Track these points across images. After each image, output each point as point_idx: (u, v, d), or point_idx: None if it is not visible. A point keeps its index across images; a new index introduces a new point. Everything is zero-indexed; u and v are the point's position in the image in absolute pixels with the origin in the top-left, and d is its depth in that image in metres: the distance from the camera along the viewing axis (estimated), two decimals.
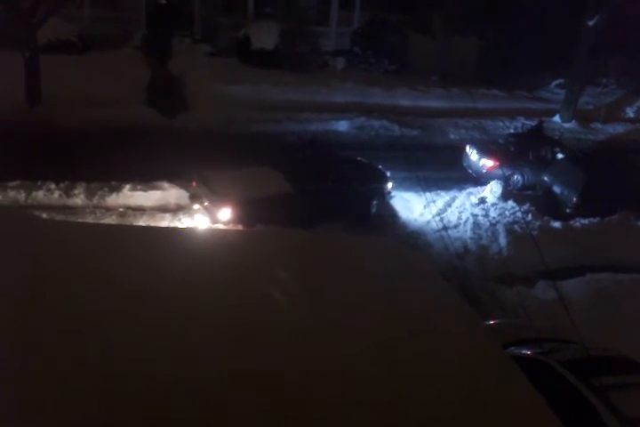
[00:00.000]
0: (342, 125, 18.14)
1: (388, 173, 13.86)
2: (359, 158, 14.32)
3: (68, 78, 17.38)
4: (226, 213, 11.45)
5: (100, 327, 3.04)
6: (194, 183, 12.11)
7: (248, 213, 11.38)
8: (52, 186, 12.62)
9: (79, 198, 12.55)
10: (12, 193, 12.32)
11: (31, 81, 16.71)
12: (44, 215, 11.48)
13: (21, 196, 12.30)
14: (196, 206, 12.01)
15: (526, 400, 3.86)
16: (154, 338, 3.13)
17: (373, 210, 13.39)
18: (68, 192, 12.58)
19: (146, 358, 2.95)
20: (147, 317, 3.24)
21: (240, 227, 11.27)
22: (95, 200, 12.57)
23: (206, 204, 11.75)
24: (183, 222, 11.99)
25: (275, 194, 11.57)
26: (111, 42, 21.77)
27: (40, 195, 12.42)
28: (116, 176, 13.03)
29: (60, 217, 11.60)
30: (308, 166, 12.74)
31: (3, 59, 16.94)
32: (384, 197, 13.69)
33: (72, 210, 12.19)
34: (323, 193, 12.37)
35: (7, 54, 17.00)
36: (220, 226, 11.41)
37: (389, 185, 13.74)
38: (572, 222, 13.31)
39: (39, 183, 12.63)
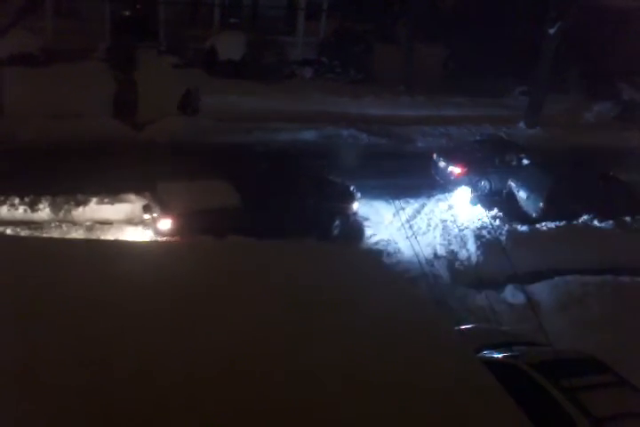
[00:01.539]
0: (311, 135, 18.18)
1: (358, 194, 13.36)
2: (328, 176, 13.71)
3: (32, 91, 17.13)
4: (166, 224, 11.31)
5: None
6: (147, 195, 12.02)
7: (187, 224, 11.18)
8: (16, 201, 12.39)
9: (44, 213, 12.35)
10: None
11: None
12: (8, 231, 11.29)
13: None
14: (147, 217, 11.87)
15: (497, 402, 3.90)
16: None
17: (335, 231, 12.74)
18: (32, 207, 12.37)
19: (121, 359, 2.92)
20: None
21: (178, 238, 11.09)
22: (61, 214, 12.37)
23: (153, 215, 11.67)
24: (141, 234, 11.86)
25: (219, 207, 11.37)
26: (75, 54, 21.53)
27: (3, 210, 12.19)
28: (82, 190, 12.86)
29: (25, 232, 11.41)
30: (263, 180, 12.46)
31: None
32: (348, 217, 13.06)
33: (38, 225, 11.99)
34: (274, 208, 11.87)
35: None
36: (160, 237, 11.30)
37: (355, 205, 13.18)
38: (538, 227, 13.51)
39: (2, 198, 12.40)
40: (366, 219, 13.64)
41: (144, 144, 16.12)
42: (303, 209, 12.20)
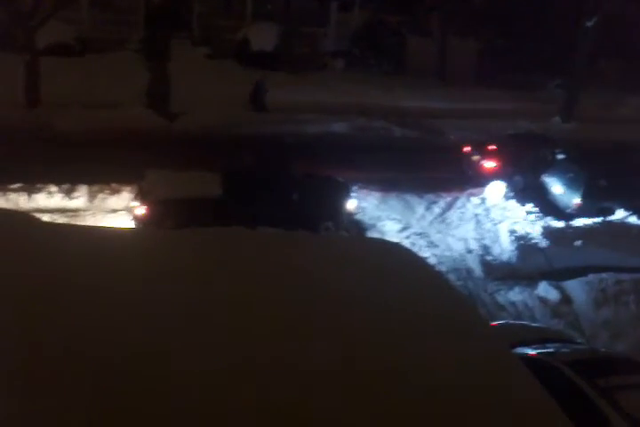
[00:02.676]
0: (342, 127, 18.11)
1: (353, 193, 12.51)
2: (327, 175, 12.76)
3: (68, 81, 17.37)
4: (141, 211, 11.16)
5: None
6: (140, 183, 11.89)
7: (161, 212, 10.97)
8: (53, 188, 12.59)
9: (80, 201, 12.53)
10: (12, 195, 12.29)
11: (30, 84, 16.69)
12: (45, 218, 11.47)
13: (22, 198, 12.28)
14: (133, 204, 11.68)
15: (536, 401, 3.83)
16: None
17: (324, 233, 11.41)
18: (68, 195, 12.56)
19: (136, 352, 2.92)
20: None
21: (150, 226, 10.90)
22: (96, 202, 12.55)
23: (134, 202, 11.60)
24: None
25: (196, 197, 11.11)
26: (110, 44, 21.76)
27: (41, 197, 12.40)
28: (116, 178, 13.01)
29: (61, 220, 11.58)
30: (251, 174, 11.94)
31: (2, 61, 16.92)
32: (340, 217, 11.96)
33: (73, 212, 12.17)
34: (257, 203, 11.25)
35: (7, 57, 17.00)
36: (136, 224, 11.18)
37: (350, 205, 12.21)
38: (573, 223, 13.30)
39: (39, 186, 12.60)
40: (372, 226, 12.70)
41: (177, 134, 16.24)
42: (285, 208, 11.33)
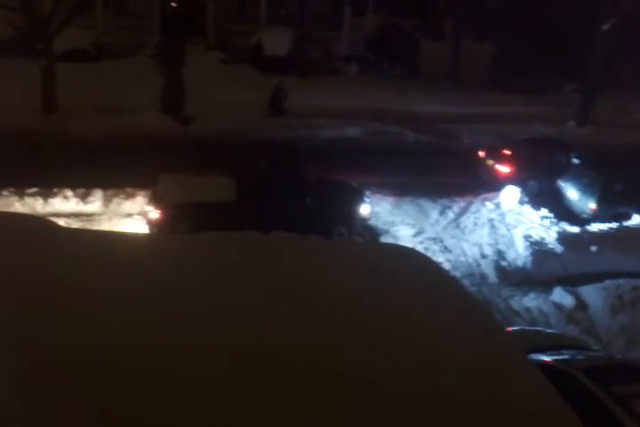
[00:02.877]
0: (355, 131, 18.13)
1: (367, 198, 12.39)
2: (340, 180, 12.80)
3: (84, 86, 17.54)
4: (155, 215, 11.26)
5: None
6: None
7: (175, 216, 11.06)
8: (69, 193, 12.71)
9: (95, 205, 12.63)
10: (29, 200, 12.41)
11: (47, 89, 16.87)
12: (61, 222, 11.56)
13: (38, 202, 12.40)
14: (147, 208, 11.81)
15: (553, 408, 3.80)
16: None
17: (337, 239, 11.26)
18: (84, 199, 12.67)
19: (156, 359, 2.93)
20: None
21: (164, 230, 10.97)
22: (111, 207, 12.64)
23: (150, 206, 11.69)
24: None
25: (209, 201, 11.17)
26: (125, 50, 21.96)
27: (57, 202, 12.51)
28: (131, 183, 13.09)
29: (76, 224, 11.68)
30: (264, 179, 11.95)
31: (20, 67, 17.13)
32: (353, 222, 11.89)
33: (88, 217, 12.27)
34: (270, 208, 11.25)
35: (24, 63, 17.19)
36: (150, 228, 11.25)
37: (364, 210, 12.13)
38: (588, 228, 13.21)
39: (55, 190, 12.72)
40: (385, 231, 12.66)
41: (191, 139, 16.33)
42: (298, 213, 11.32)
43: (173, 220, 11.03)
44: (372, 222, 12.95)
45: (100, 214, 12.45)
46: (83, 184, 12.91)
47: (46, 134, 15.44)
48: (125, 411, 2.69)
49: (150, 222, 11.37)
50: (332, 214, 11.65)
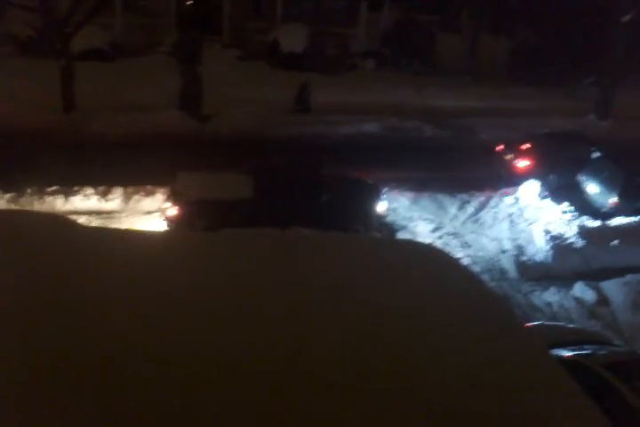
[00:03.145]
0: (373, 127, 18.07)
1: (383, 197, 12.31)
2: (357, 176, 12.78)
3: (102, 85, 17.66)
4: (173, 212, 11.32)
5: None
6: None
7: (193, 213, 11.14)
8: (88, 191, 12.82)
9: (115, 203, 12.73)
10: (49, 198, 12.54)
11: (66, 88, 17.01)
12: (81, 220, 11.67)
13: (58, 200, 12.51)
14: (166, 205, 11.82)
15: (576, 403, 3.76)
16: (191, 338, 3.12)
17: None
18: (103, 197, 12.77)
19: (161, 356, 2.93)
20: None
21: (183, 226, 11.04)
22: (131, 204, 12.73)
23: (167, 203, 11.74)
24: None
25: (226, 198, 11.22)
26: (142, 48, 22.08)
27: (77, 199, 12.62)
28: (150, 180, 13.17)
29: (96, 222, 11.77)
30: (281, 176, 12.00)
31: (39, 67, 17.30)
32: (369, 220, 11.81)
33: (108, 214, 12.37)
34: (287, 205, 11.31)
35: (43, 63, 17.36)
36: (167, 224, 11.32)
37: (381, 207, 12.05)
38: (609, 222, 13.05)
39: (75, 188, 12.83)
40: (403, 227, 12.59)
41: (208, 136, 16.39)
42: (315, 210, 11.33)
43: (191, 216, 11.13)
44: (391, 218, 12.91)
45: (119, 212, 12.54)
46: (102, 182, 13.02)
47: (65, 133, 15.59)
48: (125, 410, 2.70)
49: (168, 219, 11.46)
50: (348, 211, 11.59)
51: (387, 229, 12.30)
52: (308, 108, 18.67)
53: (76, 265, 3.80)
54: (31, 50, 19.86)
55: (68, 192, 12.71)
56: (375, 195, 12.21)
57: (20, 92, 16.78)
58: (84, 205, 12.59)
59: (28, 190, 12.62)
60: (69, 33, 16.76)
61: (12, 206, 12.00)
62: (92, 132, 15.87)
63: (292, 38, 23.03)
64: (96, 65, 19.39)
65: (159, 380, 2.86)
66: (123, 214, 12.43)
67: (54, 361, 2.83)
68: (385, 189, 12.72)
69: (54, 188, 12.78)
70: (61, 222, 4.63)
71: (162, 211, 11.93)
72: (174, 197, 11.55)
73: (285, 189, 11.53)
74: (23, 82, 17.12)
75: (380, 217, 12.19)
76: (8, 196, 12.41)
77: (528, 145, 15.56)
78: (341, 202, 11.61)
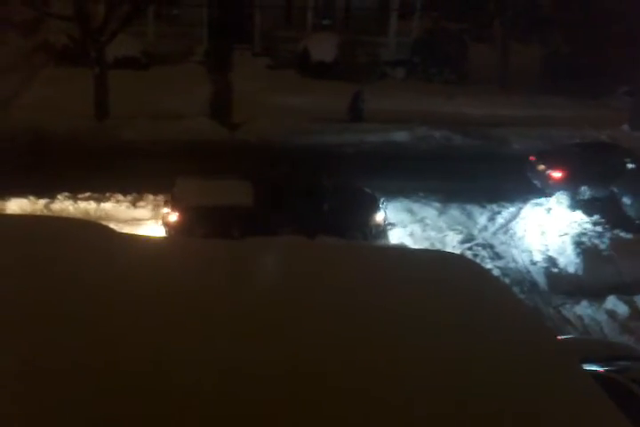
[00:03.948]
0: (403, 136, 18.02)
1: (381, 207, 12.22)
2: (361, 187, 12.76)
3: (134, 93, 17.94)
4: (173, 218, 11.33)
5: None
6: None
7: (192, 219, 11.14)
8: (120, 197, 12.98)
9: (146, 209, 12.87)
10: (82, 204, 12.73)
11: (100, 96, 17.32)
12: (112, 226, 11.82)
13: (91, 207, 12.70)
14: (165, 211, 11.88)
15: (608, 419, 3.68)
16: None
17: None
18: (135, 204, 12.92)
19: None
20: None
21: (181, 233, 11.05)
22: (161, 211, 12.84)
23: (166, 209, 11.79)
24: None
25: (226, 204, 11.23)
26: (174, 57, 22.39)
27: (109, 206, 12.80)
28: None
29: (127, 228, 11.91)
30: (281, 184, 12.03)
31: (74, 75, 17.65)
32: (367, 229, 11.80)
33: (139, 222, 12.50)
34: (287, 214, 11.36)
35: (78, 71, 17.70)
36: (167, 231, 11.34)
37: (378, 217, 12.02)
38: None
39: (108, 195, 13.02)
40: (432, 236, 12.45)
41: (238, 144, 16.52)
42: (314, 218, 11.43)
43: (190, 222, 11.17)
44: (420, 227, 12.84)
45: (149, 219, 12.66)
46: (133, 189, 13.19)
47: (98, 140, 15.85)
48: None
49: (167, 224, 11.50)
50: (345, 220, 11.70)
51: (384, 238, 12.19)
52: (362, 116, 18.64)
53: (108, 272, 3.83)
54: (66, 58, 20.27)
55: (100, 199, 12.90)
56: (373, 205, 12.23)
57: (55, 100, 17.13)
58: (116, 211, 12.75)
59: (61, 196, 12.84)
60: (104, 41, 17.08)
61: (45, 212, 12.22)
62: (123, 139, 16.11)
63: (323, 47, 23.14)
64: (129, 73, 19.72)
65: (162, 385, 2.89)
66: (153, 221, 12.54)
67: (69, 365, 2.88)
68: (383, 200, 12.59)
69: (87, 194, 12.98)
70: (99, 230, 4.68)
71: (161, 216, 11.99)
72: (173, 202, 11.59)
73: (285, 198, 11.61)
74: (58, 90, 17.46)
75: (378, 227, 12.15)
76: (42, 201, 12.64)
77: (560, 156, 15.38)
78: (340, 211, 11.75)
